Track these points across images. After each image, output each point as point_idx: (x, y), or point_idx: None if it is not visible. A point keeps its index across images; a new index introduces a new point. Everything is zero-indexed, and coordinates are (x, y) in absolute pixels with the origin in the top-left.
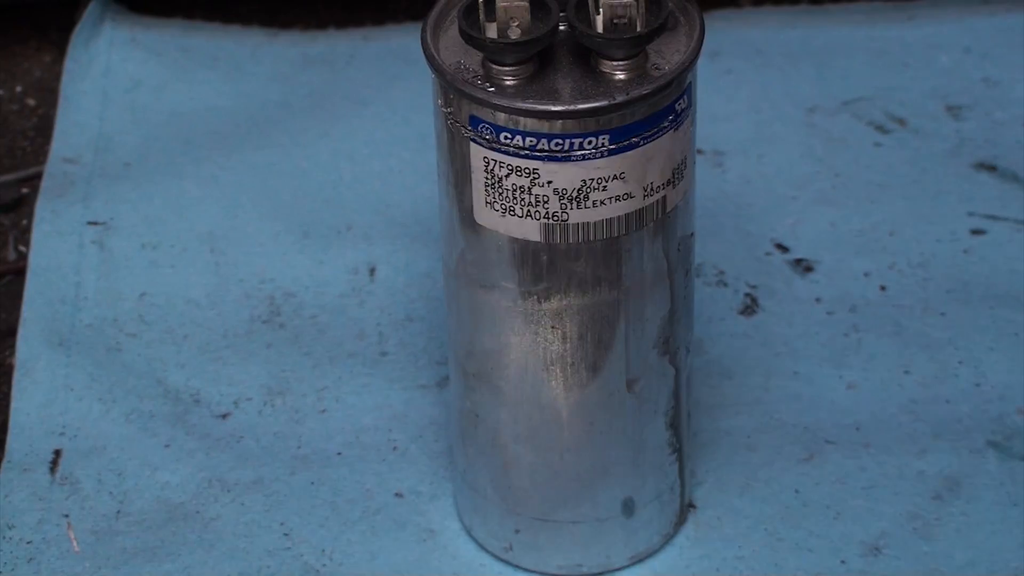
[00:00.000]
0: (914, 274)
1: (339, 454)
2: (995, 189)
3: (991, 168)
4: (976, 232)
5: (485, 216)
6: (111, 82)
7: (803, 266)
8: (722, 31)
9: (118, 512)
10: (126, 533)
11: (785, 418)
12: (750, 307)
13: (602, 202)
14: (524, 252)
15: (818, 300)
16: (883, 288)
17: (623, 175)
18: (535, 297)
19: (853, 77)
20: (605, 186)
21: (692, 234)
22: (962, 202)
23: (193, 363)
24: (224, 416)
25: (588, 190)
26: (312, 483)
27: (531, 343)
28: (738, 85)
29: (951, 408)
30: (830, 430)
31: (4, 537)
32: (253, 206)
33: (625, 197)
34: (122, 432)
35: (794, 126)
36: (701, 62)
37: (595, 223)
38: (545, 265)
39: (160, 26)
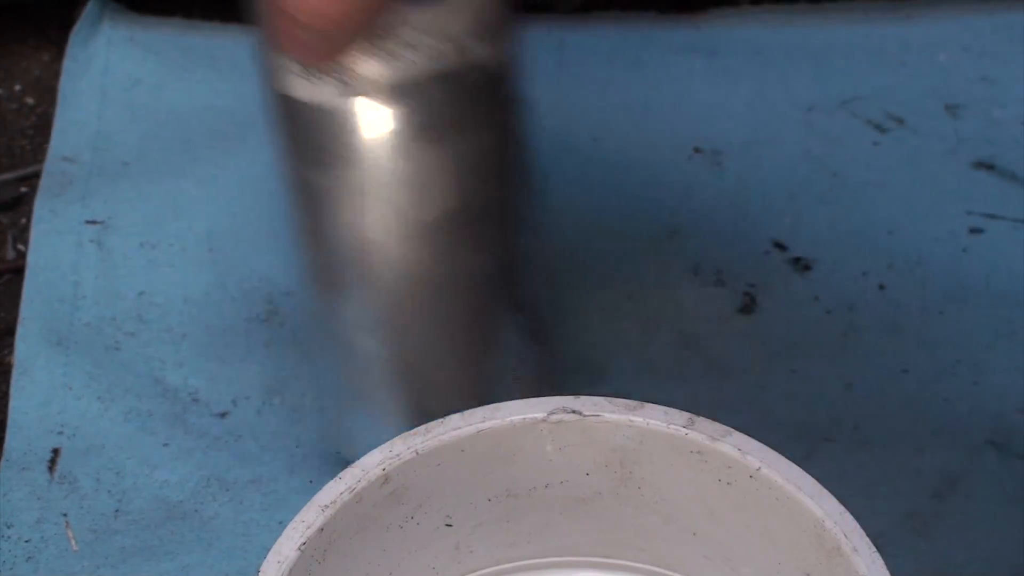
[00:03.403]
0: (912, 273)
1: (338, 452)
2: (993, 188)
3: (989, 167)
4: (975, 231)
5: (295, 86)
6: (110, 81)
7: (801, 265)
8: (720, 30)
9: (116, 511)
10: (124, 532)
11: (783, 417)
12: (748, 306)
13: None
14: (330, 119)
15: (816, 299)
16: (881, 287)
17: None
18: (344, 169)
19: (851, 76)
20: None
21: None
22: (960, 201)
23: (191, 362)
24: (222, 415)
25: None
26: (311, 482)
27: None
28: (736, 84)
29: (950, 407)
30: (828, 428)
31: (3, 536)
32: (252, 205)
33: (432, 51)
34: (120, 431)
35: (792, 125)
36: (699, 61)
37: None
38: (350, 133)
39: (159, 25)
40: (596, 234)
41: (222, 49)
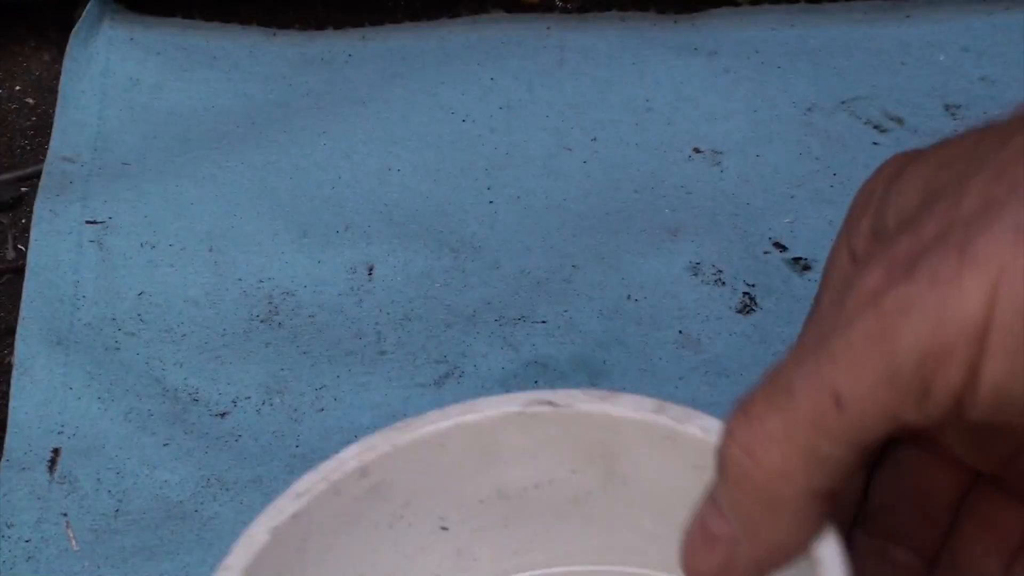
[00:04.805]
0: None
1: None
2: None
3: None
4: None
5: None
6: (110, 81)
7: (801, 265)
8: (720, 30)
9: (116, 511)
10: (125, 532)
11: None
12: (748, 306)
13: None
14: None
15: None
16: None
17: None
18: None
19: (851, 76)
20: None
21: None
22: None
23: (191, 362)
24: (222, 415)
25: None
26: None
27: None
28: (736, 84)
29: None
30: None
31: (3, 536)
32: (251, 205)
33: None
34: (121, 431)
35: (792, 125)
36: (699, 61)
37: None
38: None
39: (159, 25)
40: (596, 234)
41: (222, 49)
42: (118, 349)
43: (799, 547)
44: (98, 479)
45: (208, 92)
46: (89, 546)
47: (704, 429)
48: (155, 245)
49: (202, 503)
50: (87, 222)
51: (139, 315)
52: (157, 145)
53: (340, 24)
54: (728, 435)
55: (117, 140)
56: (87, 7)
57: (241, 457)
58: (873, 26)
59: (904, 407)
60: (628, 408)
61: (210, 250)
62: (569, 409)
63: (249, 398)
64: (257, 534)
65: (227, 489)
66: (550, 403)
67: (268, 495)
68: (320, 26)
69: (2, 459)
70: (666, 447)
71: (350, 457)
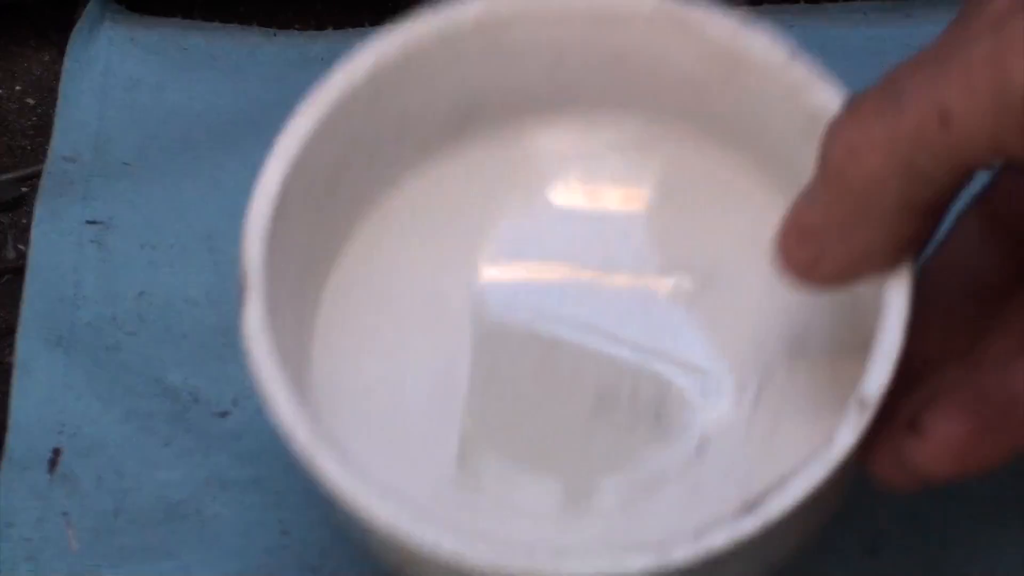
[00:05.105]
0: None
1: None
2: None
3: (988, 167)
4: None
5: None
6: (110, 81)
7: None
8: None
9: (117, 510)
10: (125, 531)
11: None
12: None
13: None
14: None
15: None
16: None
17: None
18: None
19: (851, 77)
20: None
21: None
22: (960, 199)
23: (192, 362)
24: (223, 415)
25: None
26: (311, 481)
27: None
28: None
29: None
30: None
31: (3, 536)
32: None
33: None
34: (121, 431)
35: None
36: None
37: None
38: None
39: (159, 26)
40: None
41: (222, 49)
42: (118, 349)
43: (885, 261)
44: (98, 479)
45: (208, 92)
46: (89, 546)
47: (831, 96)
48: (155, 245)
49: (202, 503)
50: (87, 222)
51: (139, 315)
52: (157, 145)
53: (340, 24)
54: (832, 131)
55: (117, 140)
56: (87, 7)
57: (241, 457)
58: (873, 26)
59: (1009, 136)
60: (760, 38)
61: (210, 250)
62: (703, 18)
63: (250, 398)
64: (356, 71)
65: (227, 489)
66: (685, 11)
67: (268, 495)
68: (320, 26)
69: (2, 459)
70: (785, 95)
71: (470, 8)
